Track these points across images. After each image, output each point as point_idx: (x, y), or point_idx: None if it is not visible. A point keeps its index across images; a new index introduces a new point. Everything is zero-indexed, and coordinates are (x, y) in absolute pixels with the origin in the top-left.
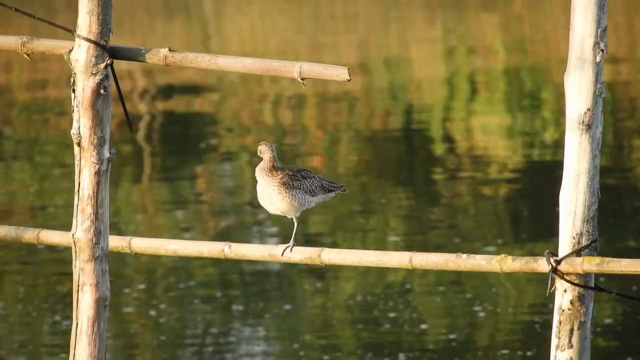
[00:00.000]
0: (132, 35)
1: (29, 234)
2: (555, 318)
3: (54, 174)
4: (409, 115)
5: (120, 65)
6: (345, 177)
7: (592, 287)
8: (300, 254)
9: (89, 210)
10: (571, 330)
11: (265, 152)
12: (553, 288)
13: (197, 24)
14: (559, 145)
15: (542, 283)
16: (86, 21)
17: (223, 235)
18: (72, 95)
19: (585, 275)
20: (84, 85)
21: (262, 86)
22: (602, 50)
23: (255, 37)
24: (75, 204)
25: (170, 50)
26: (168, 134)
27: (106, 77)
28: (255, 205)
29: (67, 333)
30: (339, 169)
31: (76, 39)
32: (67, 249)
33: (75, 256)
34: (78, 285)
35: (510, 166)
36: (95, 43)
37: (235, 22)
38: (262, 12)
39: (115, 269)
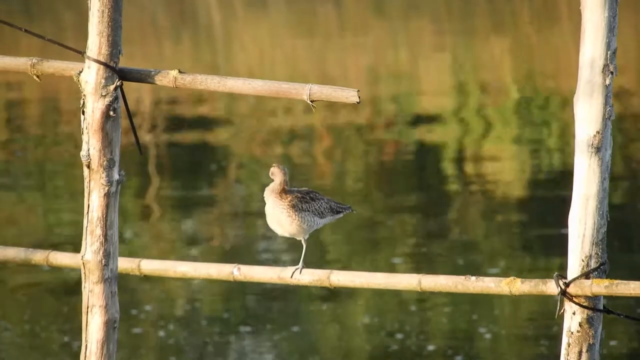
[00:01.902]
0: (141, 54)
1: (39, 256)
2: (564, 340)
3: (64, 195)
4: (417, 136)
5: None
6: (353, 197)
7: (600, 309)
8: (310, 276)
9: (98, 232)
10: (580, 353)
11: (277, 174)
12: (562, 310)
13: (205, 44)
14: (568, 166)
15: (549, 304)
16: (96, 42)
17: (232, 256)
18: (82, 116)
19: (594, 297)
20: (93, 107)
21: (272, 106)
22: (612, 73)
23: (264, 57)
24: (85, 225)
25: (180, 72)
26: (177, 154)
27: (116, 99)
28: (265, 225)
29: (75, 354)
30: (346, 190)
31: (86, 60)
32: (75, 269)
33: (85, 278)
34: (87, 307)
35: (518, 187)
36: (105, 65)
37: (244, 41)
38: (272, 32)
39: (123, 290)
